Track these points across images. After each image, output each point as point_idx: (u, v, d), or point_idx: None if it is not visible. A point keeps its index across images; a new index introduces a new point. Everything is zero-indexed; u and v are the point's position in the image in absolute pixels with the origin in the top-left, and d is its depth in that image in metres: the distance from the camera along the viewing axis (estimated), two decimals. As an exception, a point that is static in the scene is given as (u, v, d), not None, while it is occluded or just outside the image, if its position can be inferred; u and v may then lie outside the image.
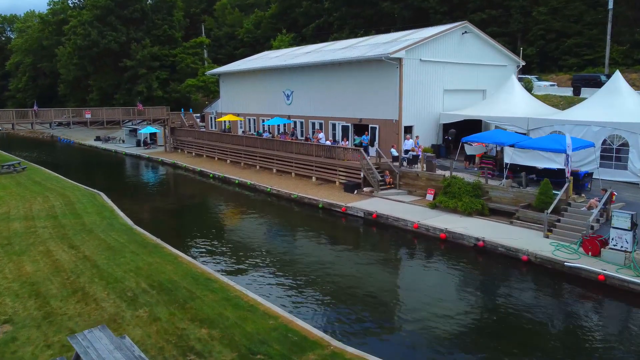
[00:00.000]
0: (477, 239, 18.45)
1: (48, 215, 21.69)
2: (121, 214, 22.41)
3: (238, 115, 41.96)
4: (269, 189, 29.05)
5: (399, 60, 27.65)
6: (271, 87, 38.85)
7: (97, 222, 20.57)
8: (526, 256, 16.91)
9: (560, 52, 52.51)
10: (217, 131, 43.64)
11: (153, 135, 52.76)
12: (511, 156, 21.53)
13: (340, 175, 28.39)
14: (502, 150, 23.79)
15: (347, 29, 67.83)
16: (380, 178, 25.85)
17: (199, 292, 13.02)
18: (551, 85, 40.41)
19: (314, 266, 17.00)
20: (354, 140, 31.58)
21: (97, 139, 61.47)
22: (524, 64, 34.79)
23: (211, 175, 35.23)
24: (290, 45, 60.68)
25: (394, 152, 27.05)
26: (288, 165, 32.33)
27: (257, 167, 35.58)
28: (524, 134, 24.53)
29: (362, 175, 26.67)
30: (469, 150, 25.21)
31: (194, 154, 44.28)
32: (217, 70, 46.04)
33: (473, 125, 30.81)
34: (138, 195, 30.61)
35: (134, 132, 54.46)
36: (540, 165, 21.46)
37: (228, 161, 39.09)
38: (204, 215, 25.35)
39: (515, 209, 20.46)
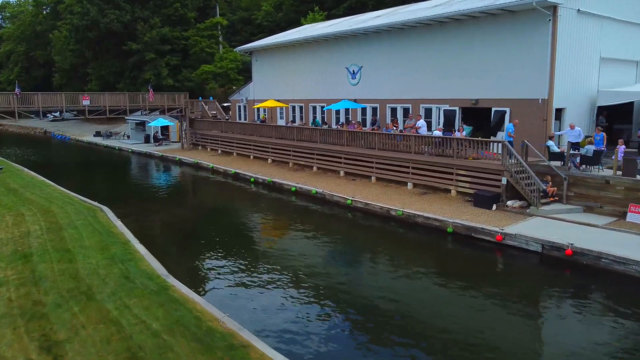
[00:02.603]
0: None
1: (15, 254, 12.44)
2: (141, 249, 13.15)
3: (280, 101, 32.61)
4: (349, 201, 19.84)
5: (553, 9, 18.43)
6: (327, 63, 29.58)
7: (100, 269, 11.33)
8: None
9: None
10: (253, 122, 34.27)
11: (165, 128, 43.50)
12: None
13: (460, 181, 19.17)
14: None
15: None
16: (544, 187, 16.59)
17: None
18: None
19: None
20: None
21: (97, 134, 52.19)
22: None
23: (252, 179, 26.01)
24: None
25: (554, 147, 17.84)
26: (367, 166, 23.10)
27: (314, 168, 26.34)
28: None
29: (504, 182, 17.45)
30: None
31: (219, 151, 35.03)
32: (249, 45, 36.72)
33: (620, 111, 21.83)
34: (158, 211, 21.34)
35: (141, 125, 45.17)
36: None
37: (269, 160, 29.84)
38: (271, 248, 16.06)
39: None
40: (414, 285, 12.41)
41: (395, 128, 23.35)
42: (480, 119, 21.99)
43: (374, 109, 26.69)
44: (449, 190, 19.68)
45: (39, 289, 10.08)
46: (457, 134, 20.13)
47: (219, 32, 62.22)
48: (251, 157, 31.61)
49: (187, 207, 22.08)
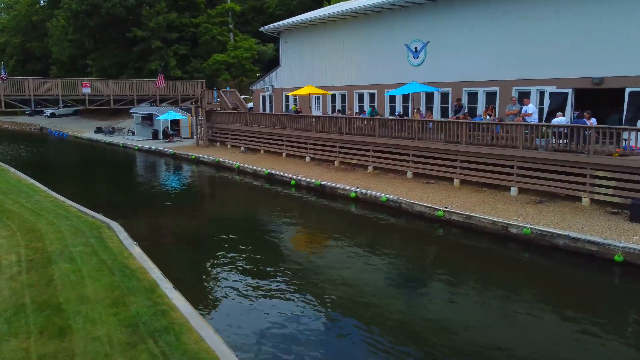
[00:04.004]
0: None
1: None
2: (180, 302, 8.01)
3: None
4: (440, 213, 14.73)
5: None
6: (379, 40, 24.46)
7: (116, 354, 6.22)
8: None
9: None
10: (286, 113, 28.94)
11: (175, 122, 38.38)
12: None
13: (599, 185, 14.04)
14: None
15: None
16: None
17: None
18: None
19: None
20: (573, 117, 17.23)
21: (98, 130, 47.07)
22: None
23: (293, 182, 20.90)
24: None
25: None
26: (448, 165, 17.99)
27: (370, 168, 21.24)
28: None
29: (678, 188, 12.36)
30: None
31: (242, 148, 29.88)
32: (278, 24, 31.52)
33: None
34: (184, 228, 16.20)
35: (148, 119, 40.06)
36: None
37: (308, 159, 24.70)
38: (360, 294, 10.90)
39: None
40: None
41: (490, 116, 18.15)
42: (604, 104, 16.86)
43: (444, 95, 21.58)
44: (577, 198, 14.56)
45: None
46: (585, 122, 14.99)
47: (230, 19, 57.01)
48: (283, 154, 26.47)
49: (222, 222, 16.92)
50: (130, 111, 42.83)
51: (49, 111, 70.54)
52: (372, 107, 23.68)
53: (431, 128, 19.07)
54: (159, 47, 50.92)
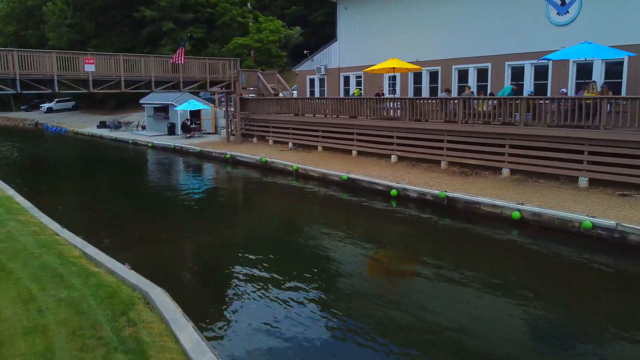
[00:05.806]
0: None
1: None
2: None
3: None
4: None
5: None
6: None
7: None
8: None
9: None
10: (356, 97, 22.08)
11: (196, 114, 31.72)
12: None
13: None
14: None
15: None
16: None
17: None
18: None
19: None
20: None
21: (102, 125, 40.29)
22: None
23: (394, 192, 14.25)
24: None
25: None
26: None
27: (505, 171, 14.59)
28: None
29: None
30: None
31: (291, 144, 23.14)
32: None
33: None
34: (267, 283, 9.50)
35: (162, 110, 33.42)
36: None
37: (393, 158, 18.03)
38: None
39: None
40: None
41: None
42: None
43: (612, 66, 14.91)
44: None
45: None
46: None
47: (250, -1, 50.28)
48: (354, 152, 19.80)
49: (325, 268, 10.19)
50: (141, 101, 36.26)
51: (45, 106, 63.84)
52: (517, 84, 16.82)
53: (611, 111, 12.49)
54: (171, 30, 44.20)
